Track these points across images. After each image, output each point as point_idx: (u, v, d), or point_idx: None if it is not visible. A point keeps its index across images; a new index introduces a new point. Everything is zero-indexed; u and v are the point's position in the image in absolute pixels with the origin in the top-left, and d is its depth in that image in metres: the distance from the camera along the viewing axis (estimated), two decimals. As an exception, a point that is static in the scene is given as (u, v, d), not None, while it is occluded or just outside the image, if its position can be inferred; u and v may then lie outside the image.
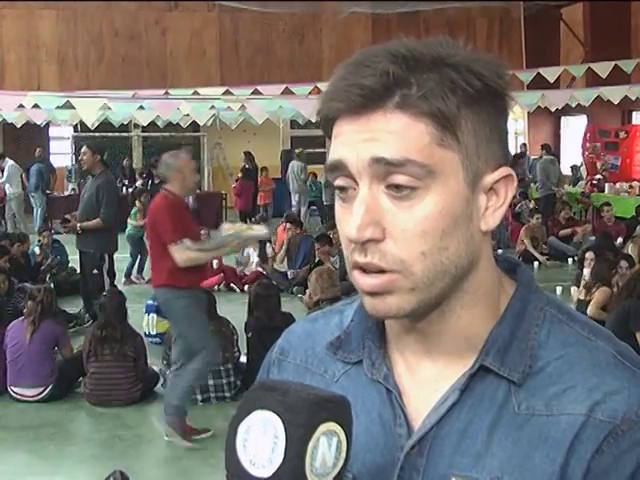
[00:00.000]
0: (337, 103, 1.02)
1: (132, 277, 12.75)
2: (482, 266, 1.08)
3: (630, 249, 10.70)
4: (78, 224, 9.09)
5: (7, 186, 17.94)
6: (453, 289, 1.06)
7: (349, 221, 1.02)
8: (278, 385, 0.97)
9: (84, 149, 9.42)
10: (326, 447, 0.93)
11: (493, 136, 1.05)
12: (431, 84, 1.00)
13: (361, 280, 1.04)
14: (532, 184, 18.57)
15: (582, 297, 8.34)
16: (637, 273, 7.39)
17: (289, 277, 12.09)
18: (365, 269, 1.03)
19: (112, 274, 9.32)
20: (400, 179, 1.00)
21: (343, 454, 0.95)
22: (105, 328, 7.21)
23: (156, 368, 7.58)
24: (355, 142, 1.01)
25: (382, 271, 1.02)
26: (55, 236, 12.60)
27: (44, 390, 7.21)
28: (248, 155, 19.15)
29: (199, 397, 7.11)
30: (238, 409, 0.96)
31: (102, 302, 7.55)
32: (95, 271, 9.09)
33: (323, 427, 0.93)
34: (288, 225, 12.66)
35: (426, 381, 1.10)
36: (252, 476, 0.92)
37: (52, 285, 10.40)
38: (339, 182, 1.05)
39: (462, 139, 1.02)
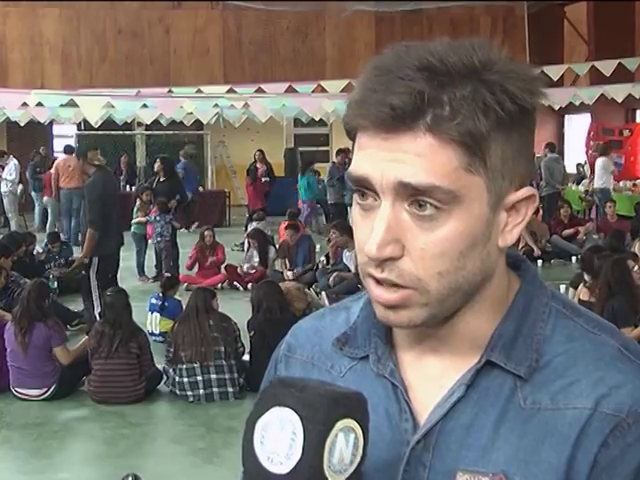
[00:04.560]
0: (365, 120, 1.01)
1: (146, 274, 12.72)
2: (495, 278, 1.09)
3: (637, 248, 10.67)
4: (82, 257, 8.90)
5: (10, 184, 17.94)
6: (465, 301, 1.06)
7: (368, 233, 1.02)
8: (295, 382, 0.97)
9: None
10: (344, 444, 0.94)
11: (520, 155, 1.04)
12: (464, 105, 0.98)
13: (376, 292, 1.04)
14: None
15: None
16: (609, 272, 7.26)
17: (287, 278, 12.04)
18: (380, 282, 1.04)
19: (105, 278, 8.89)
20: (424, 202, 1.00)
21: (360, 450, 0.95)
22: (109, 325, 7.22)
23: (159, 366, 7.59)
24: (381, 160, 1.00)
25: (397, 285, 1.02)
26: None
27: (47, 390, 7.21)
28: (260, 153, 18.98)
29: (201, 392, 7.11)
30: (255, 406, 0.96)
31: (106, 300, 7.57)
32: (83, 272, 8.96)
33: (341, 424, 0.93)
34: (287, 231, 12.61)
35: (432, 377, 1.11)
36: (270, 473, 0.92)
37: (55, 284, 10.45)
38: (359, 191, 1.04)
39: (489, 163, 1.01)
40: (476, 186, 1.01)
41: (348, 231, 11.44)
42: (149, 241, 12.85)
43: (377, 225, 1.01)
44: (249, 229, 14.49)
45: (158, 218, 12.43)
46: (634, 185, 17.49)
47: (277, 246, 12.80)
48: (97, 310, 8.47)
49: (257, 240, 12.48)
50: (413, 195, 0.99)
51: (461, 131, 0.98)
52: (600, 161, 16.31)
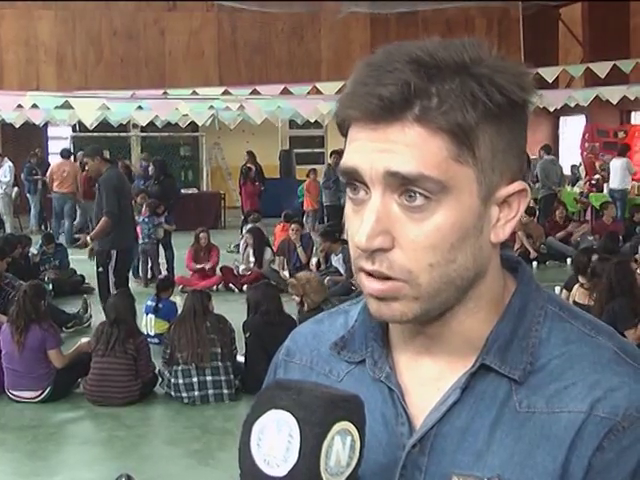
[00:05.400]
0: (354, 111, 1.01)
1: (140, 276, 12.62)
2: (489, 275, 1.08)
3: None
4: (87, 237, 8.91)
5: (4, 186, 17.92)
6: (458, 298, 1.06)
7: (359, 227, 1.02)
8: (292, 384, 0.97)
9: (85, 159, 9.30)
10: (340, 446, 0.94)
11: (510, 149, 1.04)
12: (452, 97, 0.98)
13: (367, 283, 1.04)
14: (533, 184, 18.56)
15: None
16: (611, 275, 7.25)
17: (283, 277, 12.04)
18: (372, 275, 1.03)
19: (122, 273, 8.97)
20: (414, 193, 1.00)
21: (357, 453, 0.95)
22: (109, 324, 7.26)
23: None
24: (370, 151, 1.01)
25: (388, 277, 1.02)
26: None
27: (42, 392, 7.19)
28: (251, 155, 18.95)
29: (197, 394, 7.11)
30: (252, 408, 0.96)
31: (110, 301, 7.62)
32: (100, 269, 8.93)
33: (337, 426, 0.93)
34: (294, 226, 12.62)
35: (428, 380, 1.10)
36: (266, 475, 0.92)
37: (50, 286, 10.44)
38: (351, 185, 1.05)
39: (478, 154, 1.01)
40: (466, 177, 1.01)
41: (332, 236, 11.62)
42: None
43: (367, 216, 1.01)
44: (244, 231, 14.49)
45: (147, 220, 12.41)
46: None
47: (273, 248, 12.79)
48: None
49: (254, 237, 12.46)
50: (403, 185, 0.99)
51: (449, 121, 0.98)
52: (620, 162, 16.31)
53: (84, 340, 7.78)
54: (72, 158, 18.67)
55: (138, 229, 12.39)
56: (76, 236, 9.25)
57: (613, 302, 6.92)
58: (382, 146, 1.00)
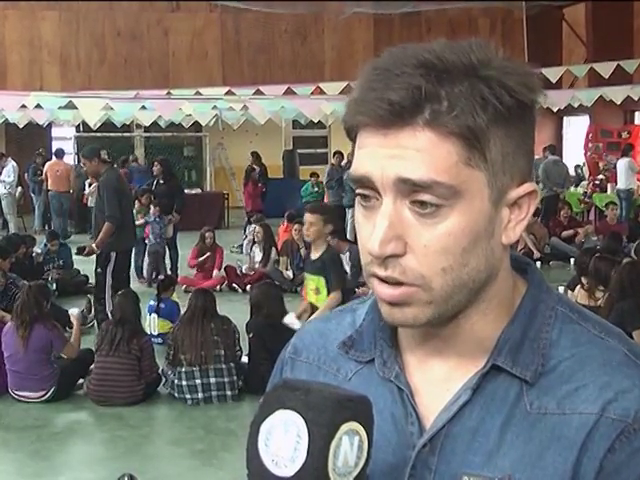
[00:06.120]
0: (364, 117, 1.01)
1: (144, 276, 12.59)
2: (500, 276, 1.08)
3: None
4: (93, 245, 8.88)
5: (8, 186, 17.97)
6: (470, 300, 1.06)
7: (370, 232, 1.02)
8: (300, 384, 0.97)
9: (82, 161, 9.27)
10: (348, 446, 0.93)
11: (520, 150, 1.04)
12: (462, 100, 0.98)
13: (380, 289, 1.04)
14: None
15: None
16: (624, 275, 7.23)
17: (287, 277, 12.04)
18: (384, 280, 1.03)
19: (121, 275, 8.93)
20: (425, 198, 0.99)
21: (364, 453, 0.95)
22: (114, 323, 7.28)
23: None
24: (381, 157, 1.00)
25: (401, 283, 1.02)
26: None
27: (46, 393, 7.21)
28: (255, 155, 18.92)
29: (200, 395, 7.11)
30: (260, 408, 0.95)
31: (116, 300, 7.63)
32: (99, 270, 8.93)
33: (345, 426, 0.93)
34: (297, 226, 12.61)
35: (438, 380, 1.10)
36: (274, 475, 0.92)
37: (54, 286, 10.46)
38: (362, 191, 1.04)
39: (489, 157, 1.01)
40: (477, 181, 1.00)
41: (340, 235, 11.58)
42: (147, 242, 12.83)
43: (379, 222, 1.01)
44: (247, 231, 14.49)
45: (157, 220, 12.44)
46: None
47: (277, 247, 12.79)
48: (109, 308, 8.44)
49: (264, 231, 12.46)
50: (414, 191, 0.99)
51: (460, 124, 0.98)
52: (624, 162, 16.33)
53: (74, 311, 7.85)
54: (75, 159, 18.81)
55: (147, 229, 12.43)
56: (81, 245, 9.23)
57: (623, 302, 6.90)
58: (393, 152, 0.99)
